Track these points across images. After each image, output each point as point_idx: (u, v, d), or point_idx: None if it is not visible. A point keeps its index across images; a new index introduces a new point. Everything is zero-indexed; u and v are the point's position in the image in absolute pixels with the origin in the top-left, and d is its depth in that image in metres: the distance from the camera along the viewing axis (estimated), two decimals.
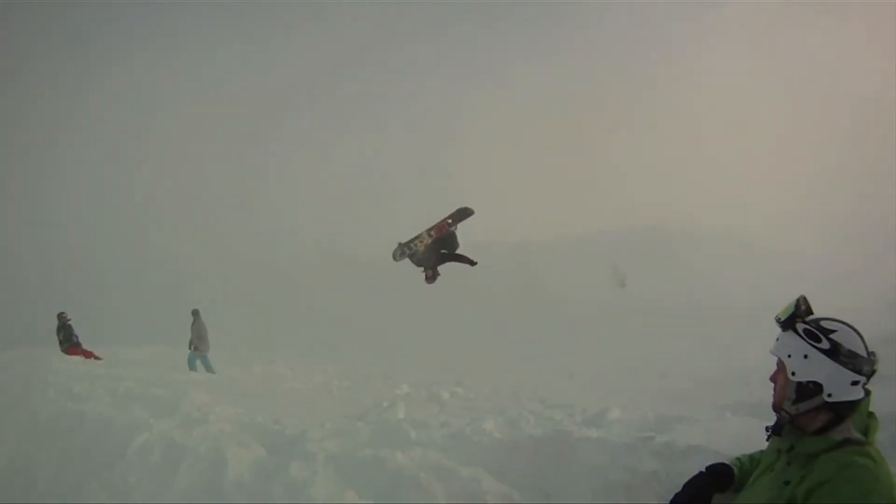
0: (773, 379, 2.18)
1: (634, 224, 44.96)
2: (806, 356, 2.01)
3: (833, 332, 2.00)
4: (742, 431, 3.14)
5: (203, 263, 41.80)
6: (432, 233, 8.76)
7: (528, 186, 75.84)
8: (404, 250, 8.24)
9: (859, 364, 1.96)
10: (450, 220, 8.87)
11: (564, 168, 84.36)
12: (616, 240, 42.15)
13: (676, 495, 2.62)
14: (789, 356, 2.06)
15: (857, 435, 2.00)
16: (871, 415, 2.07)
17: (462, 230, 8.71)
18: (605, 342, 25.84)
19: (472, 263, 9.49)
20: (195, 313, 14.18)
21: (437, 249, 9.12)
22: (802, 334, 2.04)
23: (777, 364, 2.14)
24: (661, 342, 24.47)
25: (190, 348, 13.93)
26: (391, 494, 3.04)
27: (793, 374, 2.05)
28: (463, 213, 9.15)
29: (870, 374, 1.98)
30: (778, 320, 2.13)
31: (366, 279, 36.29)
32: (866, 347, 1.99)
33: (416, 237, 8.23)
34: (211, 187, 59.90)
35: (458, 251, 9.20)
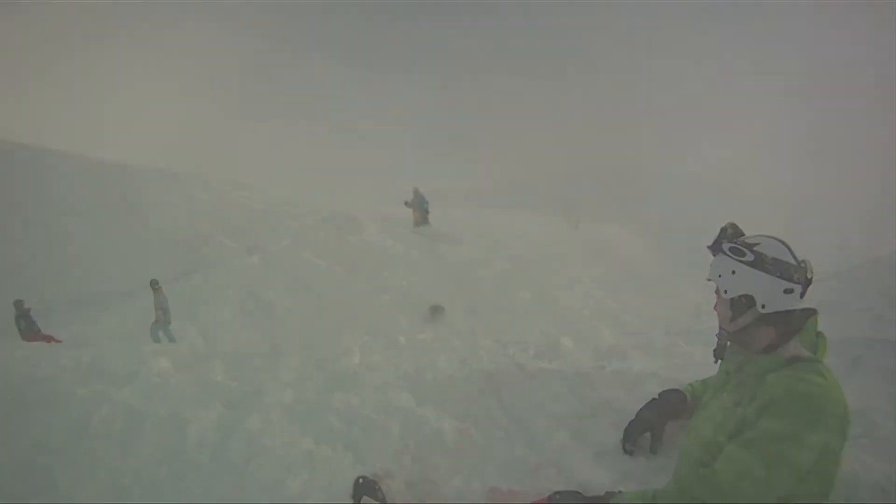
0: (717, 308, 2.21)
1: (587, 166, 45.33)
2: (734, 272, 2.06)
3: (756, 244, 2.05)
4: (693, 359, 3.21)
5: (163, 229, 40.55)
6: None
7: (472, 135, 75.31)
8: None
9: (787, 271, 1.99)
10: None
11: (510, 117, 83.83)
12: (566, 183, 42.50)
13: (631, 423, 2.66)
14: (720, 276, 2.11)
15: (805, 353, 2.02)
16: (819, 334, 2.10)
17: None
18: (560, 283, 26.23)
19: None
20: (154, 285, 13.86)
21: None
22: (728, 253, 2.09)
23: (716, 291, 2.18)
24: (614, 282, 24.94)
25: (154, 321, 13.73)
26: (347, 437, 3.03)
27: (725, 292, 2.11)
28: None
29: (804, 282, 2.00)
30: (708, 247, 2.17)
31: (330, 239, 35.90)
32: (794, 256, 2.01)
33: None
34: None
35: None
